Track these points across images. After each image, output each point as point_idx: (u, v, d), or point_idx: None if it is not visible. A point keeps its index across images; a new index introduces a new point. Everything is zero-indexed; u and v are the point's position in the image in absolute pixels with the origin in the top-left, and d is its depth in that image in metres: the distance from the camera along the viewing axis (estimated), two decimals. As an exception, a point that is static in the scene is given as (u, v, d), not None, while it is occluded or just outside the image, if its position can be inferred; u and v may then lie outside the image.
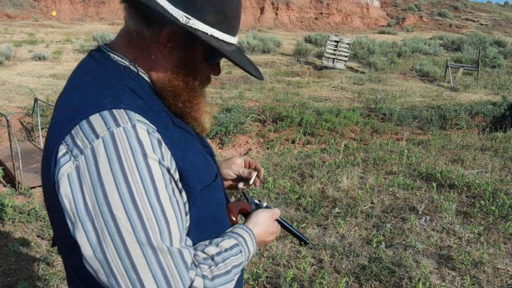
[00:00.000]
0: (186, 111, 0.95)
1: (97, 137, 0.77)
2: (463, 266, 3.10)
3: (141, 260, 0.75)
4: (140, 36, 0.90)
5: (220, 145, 9.37)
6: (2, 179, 6.13)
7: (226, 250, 0.92)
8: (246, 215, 1.13)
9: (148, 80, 0.92)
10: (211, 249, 0.90)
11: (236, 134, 9.63)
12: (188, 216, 0.90)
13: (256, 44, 21.30)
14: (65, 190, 0.77)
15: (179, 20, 0.84)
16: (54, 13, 31.84)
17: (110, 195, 0.75)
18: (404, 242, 3.46)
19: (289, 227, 1.22)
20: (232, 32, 0.93)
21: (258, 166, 1.29)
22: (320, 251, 3.32)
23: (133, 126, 0.78)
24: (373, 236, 3.56)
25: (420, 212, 3.97)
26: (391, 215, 3.97)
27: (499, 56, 22.02)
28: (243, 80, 14.75)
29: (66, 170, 0.77)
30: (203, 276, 0.83)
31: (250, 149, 9.44)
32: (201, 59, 0.94)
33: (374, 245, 3.39)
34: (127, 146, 0.77)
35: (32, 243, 3.60)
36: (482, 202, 4.10)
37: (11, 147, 6.14)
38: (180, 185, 0.86)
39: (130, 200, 0.76)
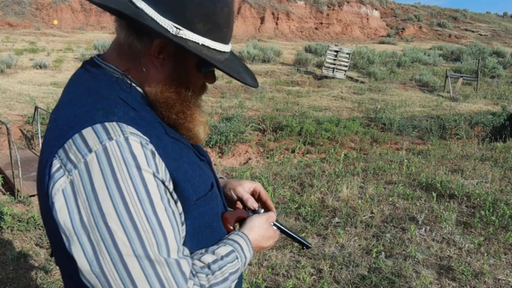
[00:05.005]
0: (180, 122, 0.93)
1: (90, 151, 0.76)
2: (464, 276, 3.09)
3: (138, 272, 0.75)
4: (131, 48, 0.89)
5: (220, 154, 9.36)
6: (1, 187, 6.12)
7: (222, 258, 0.91)
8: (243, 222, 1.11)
9: (142, 91, 0.91)
10: (208, 258, 0.89)
11: (236, 143, 9.63)
12: (184, 226, 0.90)
13: (256, 53, 21.41)
14: (59, 205, 0.77)
15: (169, 31, 0.83)
16: (55, 22, 32.03)
17: (105, 208, 0.75)
18: (404, 252, 3.45)
19: (289, 232, 1.19)
20: (224, 40, 0.92)
21: (269, 203, 1.19)
22: (320, 261, 3.30)
23: (126, 139, 0.78)
24: (373, 246, 3.54)
25: (420, 222, 3.96)
26: (391, 225, 3.96)
27: (498, 66, 22.16)
28: (243, 89, 14.80)
29: (60, 185, 0.77)
30: (201, 286, 0.83)
31: (250, 158, 9.43)
32: (193, 68, 0.92)
33: (374, 255, 3.37)
34: (120, 159, 0.76)
35: (31, 252, 3.58)
36: (483, 212, 4.09)
37: (10, 155, 6.13)
38: (175, 196, 0.86)
39: (126, 212, 0.75)
